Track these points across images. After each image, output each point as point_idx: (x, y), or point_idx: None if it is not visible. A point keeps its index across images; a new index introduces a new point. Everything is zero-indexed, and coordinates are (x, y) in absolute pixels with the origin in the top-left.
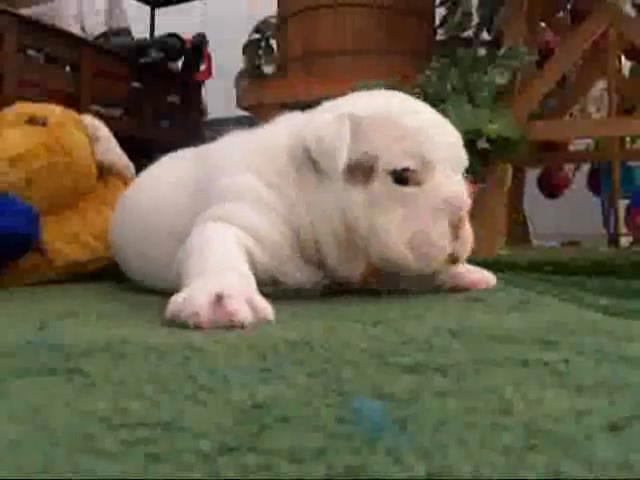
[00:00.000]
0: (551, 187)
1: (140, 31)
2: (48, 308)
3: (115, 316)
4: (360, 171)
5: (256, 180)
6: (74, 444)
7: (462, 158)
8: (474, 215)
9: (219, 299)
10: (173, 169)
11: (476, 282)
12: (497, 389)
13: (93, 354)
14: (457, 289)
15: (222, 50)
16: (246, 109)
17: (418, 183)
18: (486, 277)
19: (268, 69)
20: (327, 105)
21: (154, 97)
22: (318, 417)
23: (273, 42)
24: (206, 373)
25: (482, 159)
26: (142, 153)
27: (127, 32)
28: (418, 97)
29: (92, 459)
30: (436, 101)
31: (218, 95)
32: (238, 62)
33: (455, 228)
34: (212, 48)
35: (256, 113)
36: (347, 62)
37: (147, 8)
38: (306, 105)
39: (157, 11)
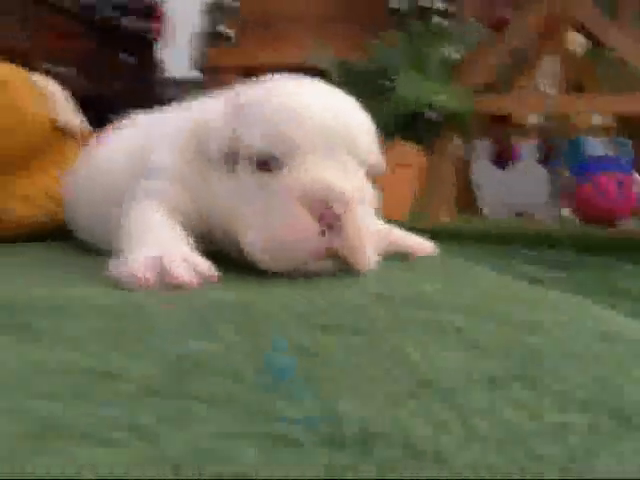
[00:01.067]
0: (500, 157)
1: None
2: None
3: (64, 277)
4: (230, 158)
5: (177, 160)
6: (20, 388)
7: (344, 138)
8: (424, 184)
9: (160, 262)
10: (123, 135)
11: (415, 248)
12: (403, 348)
13: (41, 312)
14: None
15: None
16: (201, 72)
17: (281, 169)
18: (425, 245)
19: (230, 32)
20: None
21: (107, 56)
22: (236, 368)
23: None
24: (140, 328)
25: (431, 130)
26: (96, 112)
27: None
28: (367, 66)
29: (35, 401)
30: (385, 70)
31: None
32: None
33: (328, 221)
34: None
35: (211, 76)
36: (302, 28)
37: None
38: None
39: None
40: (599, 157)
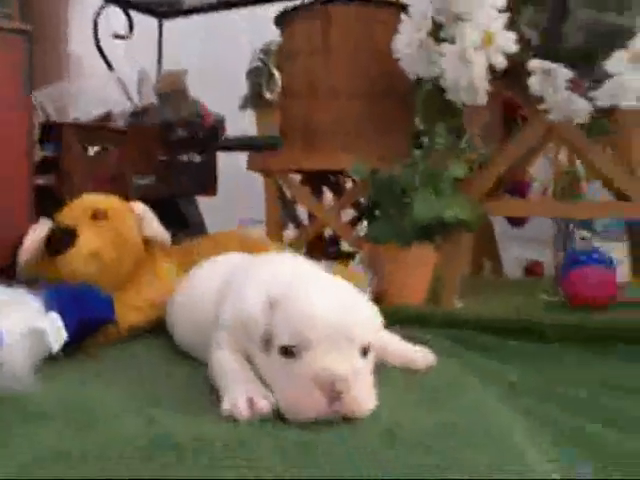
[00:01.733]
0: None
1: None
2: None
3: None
4: (265, 342)
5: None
6: None
7: (344, 333)
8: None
9: (250, 401)
10: (213, 274)
11: (415, 360)
12: None
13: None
14: None
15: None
16: (255, 171)
17: (300, 357)
18: (424, 356)
19: (270, 96)
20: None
21: (179, 165)
22: None
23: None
24: None
25: (444, 236)
26: (168, 209)
27: (153, 108)
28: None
29: None
30: (406, 191)
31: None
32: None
33: (333, 398)
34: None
35: (264, 175)
36: (339, 139)
37: None
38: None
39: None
40: (586, 251)
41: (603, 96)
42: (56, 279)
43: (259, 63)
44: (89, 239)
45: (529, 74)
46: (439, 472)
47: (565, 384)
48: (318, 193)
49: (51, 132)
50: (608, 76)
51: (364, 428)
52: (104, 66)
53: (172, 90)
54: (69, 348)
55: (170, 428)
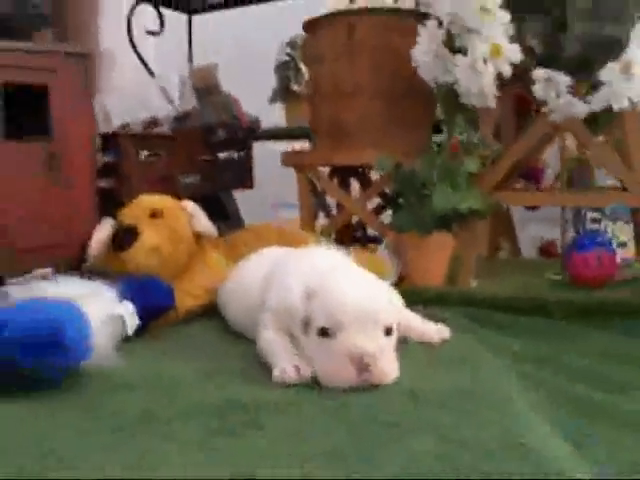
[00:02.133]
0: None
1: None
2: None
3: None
4: (305, 326)
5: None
6: None
7: (371, 316)
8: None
9: (296, 368)
10: (259, 265)
11: (431, 335)
12: None
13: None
14: None
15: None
16: (289, 166)
17: (334, 337)
18: (440, 331)
19: (298, 89)
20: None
21: (220, 163)
22: None
23: (302, 64)
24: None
25: (460, 224)
26: (213, 205)
27: (195, 112)
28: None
29: None
30: (426, 185)
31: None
32: None
33: (363, 369)
34: None
35: (296, 170)
36: (364, 136)
37: None
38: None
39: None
40: (588, 235)
41: (598, 100)
42: (121, 271)
43: (286, 57)
44: (149, 236)
45: (533, 81)
46: (455, 428)
47: (569, 355)
48: (346, 185)
49: (110, 141)
50: (603, 83)
51: (389, 392)
52: (136, 62)
53: (205, 85)
54: (138, 331)
55: (236, 393)
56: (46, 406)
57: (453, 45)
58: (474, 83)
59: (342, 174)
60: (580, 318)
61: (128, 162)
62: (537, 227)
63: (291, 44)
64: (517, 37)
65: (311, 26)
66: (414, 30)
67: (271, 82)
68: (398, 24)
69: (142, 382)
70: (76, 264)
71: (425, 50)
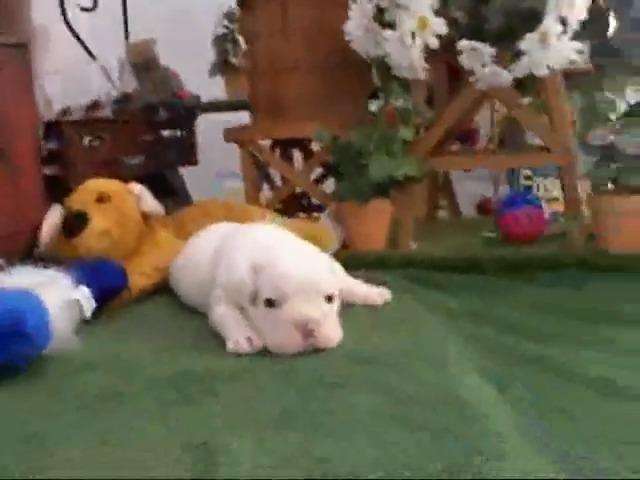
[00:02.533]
0: None
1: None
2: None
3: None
4: (253, 299)
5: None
6: None
7: (313, 287)
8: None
9: (249, 339)
10: (207, 242)
11: (370, 297)
12: None
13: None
14: None
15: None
16: (230, 141)
17: (280, 307)
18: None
19: (236, 61)
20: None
21: (163, 142)
22: None
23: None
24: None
25: (398, 190)
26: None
27: (137, 94)
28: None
29: None
30: (362, 154)
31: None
32: None
33: (308, 335)
34: None
35: (239, 145)
36: (303, 110)
37: None
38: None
39: None
40: (518, 193)
41: (520, 68)
42: (73, 256)
43: (224, 30)
44: (98, 221)
45: (460, 52)
46: (399, 386)
47: (500, 308)
48: (288, 156)
49: (53, 128)
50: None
51: (334, 355)
52: (70, 41)
53: (143, 60)
54: (94, 313)
55: (191, 365)
56: (14, 392)
57: (383, 19)
58: (404, 57)
59: (284, 146)
60: (511, 273)
61: (72, 148)
62: (473, 184)
63: (228, 16)
64: (442, 11)
65: (246, 2)
66: (346, 3)
67: (209, 55)
68: None
69: (102, 362)
70: (28, 252)
71: (357, 25)
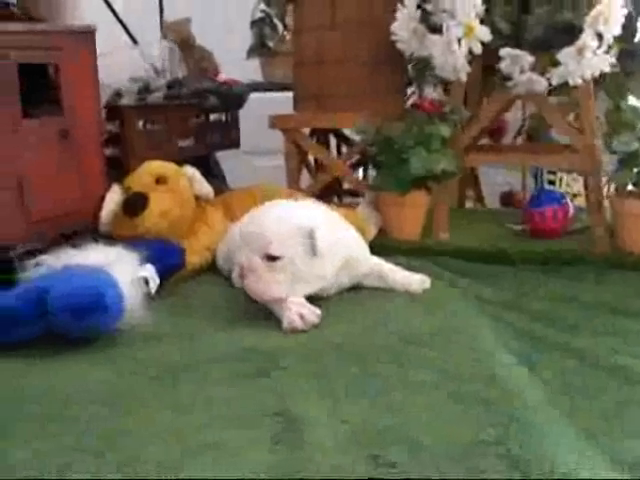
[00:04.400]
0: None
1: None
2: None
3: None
4: None
5: None
6: None
7: (256, 244)
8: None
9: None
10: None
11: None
12: None
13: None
14: None
15: None
16: (275, 128)
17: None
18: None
19: (272, 44)
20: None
21: (212, 126)
22: None
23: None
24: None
25: (437, 183)
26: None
27: (186, 79)
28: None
29: None
30: (402, 148)
31: None
32: None
33: (242, 277)
34: None
35: (283, 132)
36: (345, 101)
37: None
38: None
39: None
40: (544, 192)
41: (556, 77)
42: (132, 235)
43: (261, 14)
44: (158, 202)
45: (499, 58)
46: (442, 362)
47: (529, 299)
48: (326, 143)
49: (114, 112)
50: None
51: (384, 333)
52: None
53: (179, 39)
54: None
55: (254, 342)
56: (93, 361)
57: (429, 22)
58: (449, 60)
59: (323, 133)
60: (538, 266)
61: (131, 131)
62: (498, 175)
63: (266, 0)
64: (486, 19)
65: None
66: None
67: (239, 36)
68: None
69: (167, 332)
70: (90, 229)
71: (403, 26)
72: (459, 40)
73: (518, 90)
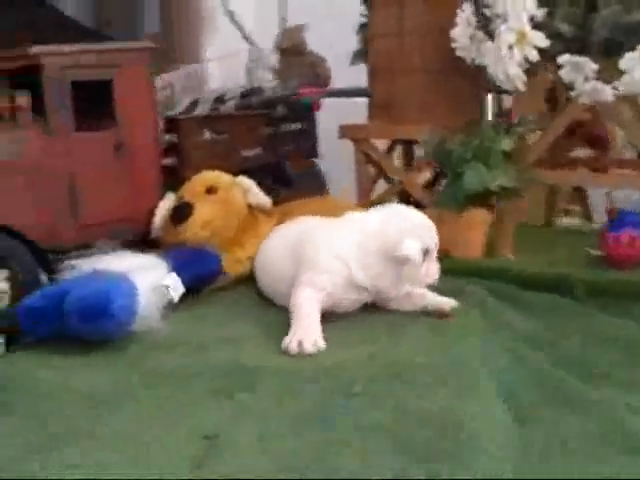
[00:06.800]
0: None
1: None
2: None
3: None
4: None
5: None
6: None
7: None
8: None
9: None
10: (285, 236)
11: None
12: None
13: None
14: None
15: None
16: (346, 138)
17: None
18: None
19: None
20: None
21: (281, 134)
22: None
23: None
24: None
25: (497, 199)
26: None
27: (261, 90)
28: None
29: None
30: (459, 162)
31: None
32: None
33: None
34: None
35: (353, 142)
36: (415, 112)
37: None
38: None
39: None
40: (623, 214)
41: (623, 85)
42: (177, 242)
43: (365, 19)
44: (203, 211)
45: (560, 66)
46: (410, 398)
47: (568, 337)
48: (410, 153)
49: (173, 123)
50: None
51: (372, 362)
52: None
53: (292, 45)
54: (192, 295)
55: (245, 359)
56: (95, 364)
57: (489, 28)
58: (499, 68)
59: (407, 144)
60: (599, 298)
61: (188, 142)
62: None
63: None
64: (547, 22)
65: (368, 1)
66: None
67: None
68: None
69: (179, 342)
70: (142, 236)
71: (463, 32)
72: (511, 47)
73: (583, 100)
